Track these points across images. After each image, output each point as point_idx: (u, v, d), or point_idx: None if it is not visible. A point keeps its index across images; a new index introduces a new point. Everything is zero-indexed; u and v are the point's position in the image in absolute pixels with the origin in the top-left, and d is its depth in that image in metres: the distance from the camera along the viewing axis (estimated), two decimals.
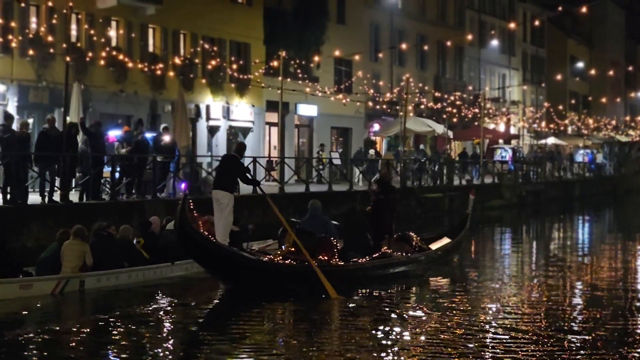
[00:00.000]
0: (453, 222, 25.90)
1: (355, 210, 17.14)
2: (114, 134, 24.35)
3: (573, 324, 12.31)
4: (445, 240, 18.34)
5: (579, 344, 10.84)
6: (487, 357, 10.14)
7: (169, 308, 13.30)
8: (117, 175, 20.99)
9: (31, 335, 11.02)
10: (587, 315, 12.91)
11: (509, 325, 11.93)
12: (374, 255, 15.80)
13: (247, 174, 16.39)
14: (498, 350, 10.39)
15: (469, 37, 48.10)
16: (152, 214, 18.81)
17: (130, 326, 11.68)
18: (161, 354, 10.21)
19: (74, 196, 19.54)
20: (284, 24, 36.87)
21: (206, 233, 14.17)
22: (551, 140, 60.89)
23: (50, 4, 24.67)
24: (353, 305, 13.65)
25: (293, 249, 14.73)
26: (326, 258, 14.81)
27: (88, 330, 11.55)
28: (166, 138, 22.68)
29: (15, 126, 19.69)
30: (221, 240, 14.87)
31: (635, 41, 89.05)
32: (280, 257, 14.64)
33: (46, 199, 18.63)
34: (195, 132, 32.62)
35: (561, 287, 16.19)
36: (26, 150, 18.71)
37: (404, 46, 38.96)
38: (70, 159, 19.19)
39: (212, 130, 34.05)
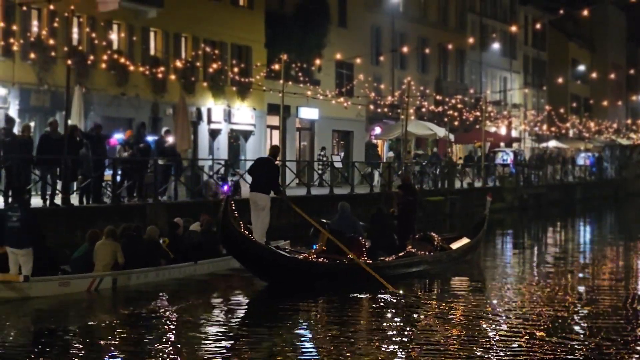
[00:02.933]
0: (454, 226, 25.97)
1: (382, 211, 18.04)
2: (116, 137, 24.33)
3: (577, 326, 12.36)
4: (465, 241, 19.35)
5: (583, 347, 10.87)
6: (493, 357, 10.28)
7: (194, 305, 13.86)
8: (118, 178, 20.98)
9: (71, 328, 11.91)
10: (591, 316, 13.00)
11: (522, 326, 12.15)
12: (399, 254, 16.72)
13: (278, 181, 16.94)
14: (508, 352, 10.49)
15: (470, 40, 48.22)
16: (154, 217, 18.88)
17: (160, 322, 12.45)
18: (184, 349, 10.72)
19: (75, 199, 19.56)
20: (286, 27, 36.87)
21: (246, 232, 14.90)
22: (552, 144, 60.86)
23: (51, 7, 24.65)
24: (378, 302, 14.26)
25: (325, 248, 15.58)
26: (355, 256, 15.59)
27: (123, 324, 12.25)
28: (169, 139, 22.70)
29: (16, 129, 19.69)
30: (259, 240, 15.49)
31: (636, 44, 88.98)
32: (314, 256, 15.48)
33: (47, 202, 18.63)
34: (197, 135, 32.61)
35: (564, 289, 16.20)
36: (28, 154, 18.71)
37: (405, 49, 38.98)
38: (71, 162, 19.19)
39: (214, 134, 34.05)
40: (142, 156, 21.53)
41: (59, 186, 19.08)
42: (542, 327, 12.04)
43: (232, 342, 11.38)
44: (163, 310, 13.42)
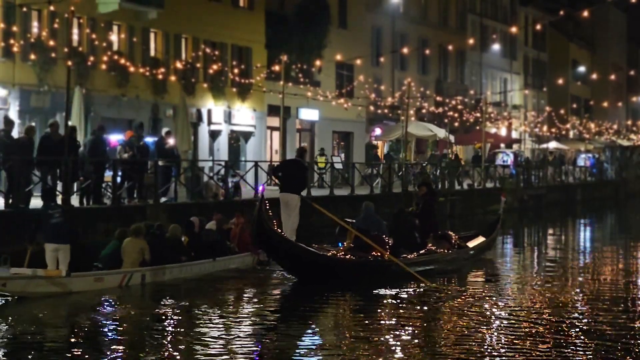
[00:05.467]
0: (455, 227, 26.02)
1: (403, 210, 18.82)
2: (116, 138, 24.33)
3: (580, 326, 12.39)
4: (481, 239, 20.16)
5: (585, 346, 10.93)
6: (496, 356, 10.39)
7: (216, 301, 14.53)
8: (118, 179, 20.96)
9: (110, 320, 12.88)
10: (595, 316, 13.09)
11: (526, 326, 12.28)
12: (420, 252, 17.44)
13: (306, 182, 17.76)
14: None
15: (471, 41, 48.21)
16: (154, 218, 18.90)
17: (186, 317, 13.05)
18: (206, 344, 11.07)
19: (75, 200, 19.53)
20: (286, 28, 36.89)
21: (279, 230, 15.57)
22: (553, 145, 60.84)
23: (52, 8, 24.65)
24: (402, 298, 14.72)
25: (352, 245, 16.25)
26: (379, 254, 16.29)
27: (154, 319, 12.94)
28: (170, 141, 22.69)
29: (17, 131, 19.65)
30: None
31: (637, 45, 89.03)
32: (342, 253, 16.24)
33: None
34: (197, 136, 32.60)
35: (566, 289, 16.24)
36: (28, 155, 18.68)
37: (405, 50, 38.98)
38: (72, 163, 19.16)
39: (214, 135, 34.06)
40: (140, 156, 21.52)
41: (59, 187, 19.05)
42: (554, 327, 12.15)
43: (257, 338, 11.71)
44: (189, 305, 13.94)
